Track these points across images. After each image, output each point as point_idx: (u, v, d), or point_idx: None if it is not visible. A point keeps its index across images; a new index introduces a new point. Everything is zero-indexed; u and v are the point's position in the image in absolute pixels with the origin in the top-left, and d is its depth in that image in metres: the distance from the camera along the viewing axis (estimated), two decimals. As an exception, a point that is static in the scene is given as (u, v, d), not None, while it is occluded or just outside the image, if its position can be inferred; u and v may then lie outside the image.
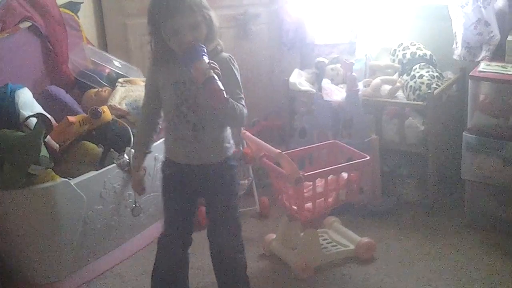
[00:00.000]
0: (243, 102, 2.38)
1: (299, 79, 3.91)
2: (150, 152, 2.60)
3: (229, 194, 2.53)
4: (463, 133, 3.28)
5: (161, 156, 3.22)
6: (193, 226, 2.60)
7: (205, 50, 2.26)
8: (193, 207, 2.61)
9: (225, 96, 2.20)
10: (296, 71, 3.99)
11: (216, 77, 2.20)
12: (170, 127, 2.45)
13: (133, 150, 3.07)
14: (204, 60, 2.23)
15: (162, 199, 2.58)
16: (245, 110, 2.37)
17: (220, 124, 2.42)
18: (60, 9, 3.59)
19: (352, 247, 3.13)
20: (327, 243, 3.20)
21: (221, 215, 2.53)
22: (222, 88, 2.20)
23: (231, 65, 2.41)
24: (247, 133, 3.23)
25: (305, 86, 3.85)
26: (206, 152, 2.43)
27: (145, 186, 2.64)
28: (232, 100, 2.30)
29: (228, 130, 2.48)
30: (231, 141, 2.50)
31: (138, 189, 2.64)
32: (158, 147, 3.22)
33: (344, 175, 3.03)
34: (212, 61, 2.24)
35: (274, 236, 3.21)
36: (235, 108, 2.32)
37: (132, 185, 2.67)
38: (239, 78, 2.43)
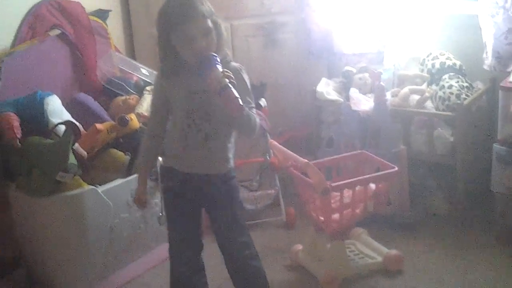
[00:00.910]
0: (254, 111, 2.38)
1: (327, 89, 3.89)
2: (154, 167, 2.58)
3: (234, 205, 2.50)
4: (493, 144, 3.24)
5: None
6: (201, 231, 2.57)
7: (218, 59, 2.25)
8: (198, 214, 2.56)
9: (241, 103, 2.20)
10: (324, 80, 3.98)
11: (231, 85, 2.20)
12: (178, 137, 2.40)
13: (160, 158, 3.07)
14: (218, 69, 2.22)
15: (165, 209, 2.57)
16: (257, 119, 2.37)
17: (229, 134, 2.42)
18: (89, 16, 3.62)
19: (379, 259, 3.10)
20: (354, 254, 3.17)
21: (226, 225, 2.50)
22: (238, 96, 2.19)
23: (242, 74, 2.39)
24: (274, 142, 3.21)
25: (332, 95, 3.83)
26: (213, 161, 2.42)
27: (148, 200, 2.57)
28: (246, 109, 2.29)
29: (233, 142, 2.46)
30: (233, 154, 2.48)
31: (140, 202, 2.55)
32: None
33: (372, 186, 3.00)
34: (226, 70, 2.23)
35: (300, 247, 3.19)
36: (250, 116, 2.32)
37: (135, 199, 2.56)
38: (249, 87, 2.42)
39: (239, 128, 2.40)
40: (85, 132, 3.01)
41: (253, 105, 2.40)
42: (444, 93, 3.49)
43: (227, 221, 2.49)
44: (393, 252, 3.10)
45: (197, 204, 2.52)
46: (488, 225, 3.43)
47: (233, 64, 2.40)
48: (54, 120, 2.99)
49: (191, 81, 2.32)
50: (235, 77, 2.27)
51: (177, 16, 2.25)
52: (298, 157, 2.97)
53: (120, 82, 3.56)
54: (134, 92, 3.54)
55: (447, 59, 3.69)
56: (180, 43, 2.27)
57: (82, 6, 3.59)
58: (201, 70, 2.25)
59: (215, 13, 2.33)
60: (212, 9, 2.32)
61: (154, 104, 2.49)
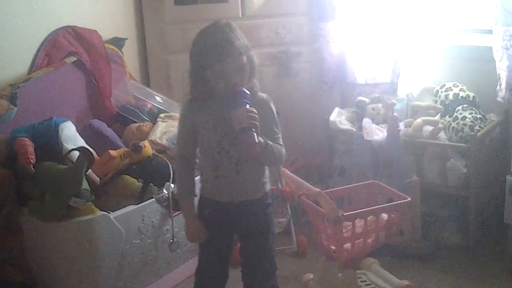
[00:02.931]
0: (280, 141, 2.39)
1: (340, 118, 3.90)
2: (196, 194, 2.51)
3: (266, 233, 2.49)
4: (507, 176, 3.22)
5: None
6: (229, 262, 2.57)
7: (248, 95, 2.26)
8: (231, 245, 2.57)
9: (258, 149, 2.21)
10: (337, 109, 3.99)
11: (253, 128, 2.21)
12: (209, 165, 2.40)
13: (172, 185, 3.09)
14: (244, 107, 2.23)
15: None
16: (283, 150, 2.38)
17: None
18: (105, 44, 3.66)
19: (391, 290, 3.07)
20: (366, 285, 3.14)
21: (257, 255, 2.50)
22: (257, 140, 2.21)
23: (269, 105, 2.41)
24: (286, 171, 3.21)
25: (345, 125, 3.84)
26: (247, 187, 2.41)
27: (204, 231, 2.46)
28: (270, 143, 2.32)
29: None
30: (268, 177, 2.49)
31: (198, 236, 2.46)
32: (198, 182, 3.24)
33: (384, 216, 2.99)
34: (252, 110, 2.24)
35: (311, 276, 3.17)
36: (274, 151, 2.33)
37: (190, 235, 2.48)
38: (276, 117, 2.44)
39: (264, 161, 2.40)
40: (98, 158, 3.03)
41: (279, 135, 2.40)
42: (457, 124, 3.49)
43: (255, 250, 2.49)
44: (405, 283, 3.07)
45: (231, 233, 2.52)
46: (501, 257, 3.40)
47: (261, 94, 2.41)
48: (68, 146, 3.01)
49: (220, 108, 2.31)
50: (262, 108, 2.32)
51: (214, 53, 2.26)
52: (310, 186, 2.97)
53: (134, 109, 3.59)
54: (148, 119, 3.56)
55: (460, 90, 3.70)
56: (213, 77, 2.28)
57: (98, 34, 3.63)
58: (227, 102, 2.26)
59: (249, 45, 2.34)
60: (246, 42, 2.33)
61: (182, 132, 2.46)
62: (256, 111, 2.25)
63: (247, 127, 2.20)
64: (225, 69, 2.25)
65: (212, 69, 2.27)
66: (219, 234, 2.48)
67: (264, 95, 2.43)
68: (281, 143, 2.39)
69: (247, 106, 2.24)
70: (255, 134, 2.21)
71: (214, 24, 2.34)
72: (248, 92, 2.27)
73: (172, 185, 3.10)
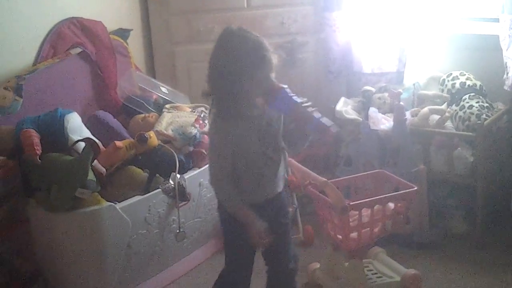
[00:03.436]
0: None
1: (346, 108, 3.89)
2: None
3: (288, 219, 2.59)
4: (514, 165, 3.21)
5: (205, 182, 3.26)
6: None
7: (288, 90, 2.25)
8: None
9: (334, 130, 2.24)
10: (343, 99, 3.97)
11: (317, 114, 2.22)
12: (253, 176, 2.36)
13: (178, 175, 3.09)
14: (298, 101, 2.23)
15: (232, 240, 2.48)
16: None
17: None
18: (110, 35, 3.66)
19: (397, 278, 3.07)
20: (372, 274, 3.14)
21: (284, 239, 2.54)
22: (330, 123, 2.24)
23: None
24: (292, 161, 3.20)
25: (351, 114, 3.83)
26: (279, 182, 2.47)
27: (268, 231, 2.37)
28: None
29: None
30: None
31: (263, 241, 2.37)
32: (204, 172, 3.24)
33: (391, 205, 2.98)
34: (304, 99, 2.24)
35: (318, 265, 3.17)
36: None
37: (255, 242, 2.38)
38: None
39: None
40: (104, 149, 3.03)
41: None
42: (464, 113, 3.47)
43: (283, 236, 2.53)
44: (412, 271, 3.06)
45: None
46: (508, 245, 3.39)
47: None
48: (74, 137, 3.02)
49: (259, 118, 2.30)
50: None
51: (251, 60, 2.20)
52: (317, 175, 2.96)
53: (139, 100, 3.59)
54: (154, 110, 3.56)
55: (467, 79, 3.68)
56: (251, 85, 2.21)
57: (103, 25, 3.63)
58: (272, 103, 2.26)
59: None
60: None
61: (224, 153, 2.30)
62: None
63: (313, 117, 2.22)
64: (263, 73, 2.22)
65: (249, 77, 2.20)
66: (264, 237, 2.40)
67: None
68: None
69: (297, 99, 2.23)
70: (323, 119, 2.23)
71: (230, 33, 2.28)
72: (286, 87, 2.26)
73: (178, 175, 3.10)
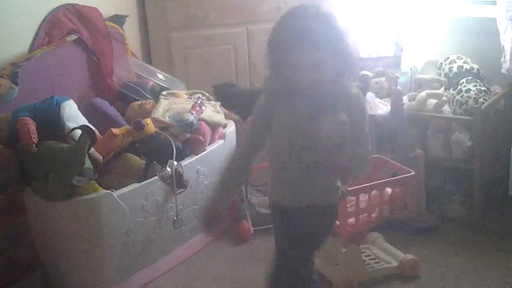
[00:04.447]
0: (369, 146, 2.11)
1: (343, 93, 3.87)
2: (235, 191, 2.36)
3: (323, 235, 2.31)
4: (511, 149, 3.20)
5: (203, 169, 3.26)
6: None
7: (337, 101, 1.98)
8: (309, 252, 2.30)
9: (347, 167, 2.02)
10: (340, 84, 3.95)
11: (343, 144, 1.93)
12: (277, 167, 2.17)
13: (175, 162, 3.08)
14: (334, 118, 1.91)
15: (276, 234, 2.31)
16: (369, 157, 2.12)
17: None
18: (106, 22, 3.64)
19: (395, 264, 3.08)
20: (370, 259, 3.15)
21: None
22: (347, 165, 2.00)
23: (358, 103, 2.10)
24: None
25: (348, 99, 3.81)
26: (315, 192, 2.17)
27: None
28: (358, 153, 2.04)
29: None
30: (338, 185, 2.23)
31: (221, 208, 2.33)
32: (201, 159, 3.24)
33: (388, 190, 2.99)
34: (343, 120, 1.91)
35: (316, 251, 3.17)
36: (359, 163, 2.06)
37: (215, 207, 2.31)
38: (367, 117, 2.13)
39: (347, 175, 2.16)
40: (101, 136, 3.02)
41: (369, 139, 2.10)
42: (461, 97, 3.46)
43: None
44: (409, 257, 3.07)
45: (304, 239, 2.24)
46: (506, 230, 3.40)
47: (353, 91, 2.11)
48: (70, 124, 3.00)
49: (301, 107, 2.05)
50: (354, 106, 2.06)
51: (284, 42, 1.99)
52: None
53: (136, 87, 3.57)
54: (150, 97, 3.54)
55: (464, 63, 3.67)
56: (288, 70, 2.02)
57: (99, 12, 3.61)
58: (310, 104, 2.02)
59: (340, 36, 2.05)
60: (334, 32, 2.02)
61: (254, 126, 2.21)
62: (346, 120, 1.92)
63: (337, 146, 1.93)
64: (294, 61, 1.99)
65: (284, 61, 2.01)
66: (292, 242, 2.23)
67: (354, 90, 2.11)
68: (369, 148, 2.11)
69: (336, 115, 1.92)
70: (344, 150, 1.96)
71: (299, 7, 2.05)
72: (336, 95, 2.00)
73: (175, 163, 3.09)
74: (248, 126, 2.29)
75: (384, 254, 3.17)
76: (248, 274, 3.15)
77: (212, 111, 3.46)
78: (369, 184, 2.93)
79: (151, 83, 3.69)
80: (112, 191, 2.85)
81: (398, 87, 3.52)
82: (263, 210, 3.55)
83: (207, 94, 3.64)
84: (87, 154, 2.80)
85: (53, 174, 2.76)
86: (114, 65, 3.64)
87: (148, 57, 4.13)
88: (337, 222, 2.95)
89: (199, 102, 3.42)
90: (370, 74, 3.89)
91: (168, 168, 3.07)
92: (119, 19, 3.80)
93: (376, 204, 2.96)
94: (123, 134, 3.07)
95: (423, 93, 3.60)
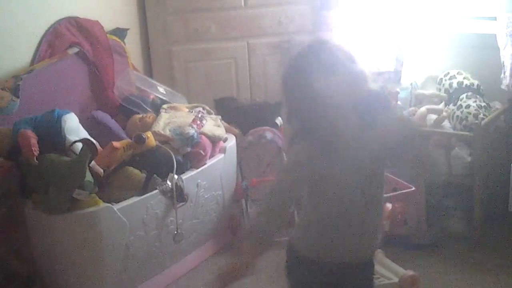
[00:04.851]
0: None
1: (343, 107, 3.88)
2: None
3: None
4: (511, 164, 3.21)
5: (204, 183, 3.26)
6: None
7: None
8: None
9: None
10: (340, 99, 3.96)
11: None
12: (324, 222, 1.96)
13: (176, 176, 3.08)
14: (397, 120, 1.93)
15: None
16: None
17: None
18: (108, 35, 3.65)
19: (395, 279, 3.06)
20: (370, 275, 3.14)
21: None
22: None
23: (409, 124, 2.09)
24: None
25: (349, 114, 3.82)
26: (366, 245, 2.01)
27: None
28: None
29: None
30: None
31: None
32: (201, 173, 3.24)
33: (389, 205, 2.99)
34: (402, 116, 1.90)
35: (316, 266, 3.17)
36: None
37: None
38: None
39: None
40: (101, 149, 3.02)
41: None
42: (461, 112, 3.47)
43: None
44: (410, 272, 3.06)
45: None
46: (506, 246, 3.40)
47: (400, 117, 2.13)
48: (71, 137, 3.00)
49: (354, 152, 1.87)
50: (403, 128, 1.99)
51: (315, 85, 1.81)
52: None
53: (137, 100, 3.58)
54: (151, 110, 3.55)
55: (464, 78, 3.67)
56: (329, 114, 1.84)
57: (100, 25, 3.62)
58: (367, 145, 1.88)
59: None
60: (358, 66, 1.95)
61: (295, 179, 1.92)
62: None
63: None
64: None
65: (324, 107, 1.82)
66: None
67: (403, 116, 2.16)
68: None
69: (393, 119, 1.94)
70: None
71: (315, 43, 1.93)
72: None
73: (176, 176, 3.09)
74: (284, 184, 1.96)
75: (385, 270, 3.15)
76: (247, 288, 3.14)
77: (213, 125, 3.47)
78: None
79: (152, 96, 3.69)
80: (112, 205, 2.85)
81: (399, 102, 3.52)
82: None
83: (207, 108, 3.65)
84: (87, 168, 2.80)
85: (53, 187, 2.76)
86: (115, 78, 3.64)
87: (149, 71, 4.14)
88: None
89: (199, 115, 3.42)
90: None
91: (168, 182, 3.07)
92: (120, 32, 3.81)
93: (376, 220, 2.95)
94: (123, 147, 3.07)
95: (423, 109, 3.61)
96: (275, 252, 3.47)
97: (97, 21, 3.62)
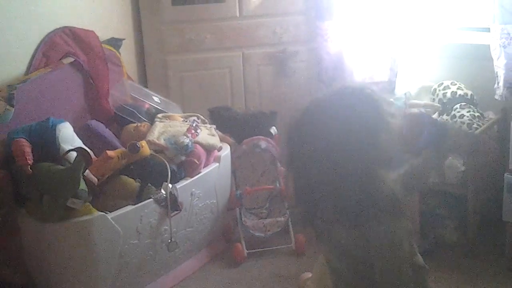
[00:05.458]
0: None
1: (338, 117, 3.88)
2: None
3: None
4: (505, 174, 3.22)
5: (198, 192, 3.26)
6: None
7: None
8: None
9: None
10: (334, 109, 3.97)
11: None
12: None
13: (170, 185, 3.08)
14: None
15: None
16: None
17: None
18: (102, 45, 3.66)
19: None
20: (364, 284, 3.14)
21: None
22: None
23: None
24: (282, 169, 3.21)
25: (343, 124, 3.83)
26: None
27: None
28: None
29: None
30: None
31: None
32: (196, 182, 3.24)
33: (382, 214, 2.98)
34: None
35: (310, 274, 3.16)
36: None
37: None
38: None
39: None
40: (96, 158, 3.03)
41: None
42: (455, 122, 3.48)
43: None
44: (403, 281, 3.06)
45: None
46: (499, 255, 3.40)
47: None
48: (66, 146, 3.01)
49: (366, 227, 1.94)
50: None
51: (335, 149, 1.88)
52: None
53: (131, 109, 3.59)
54: (146, 120, 3.56)
55: (458, 88, 3.69)
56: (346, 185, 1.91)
57: (95, 35, 3.63)
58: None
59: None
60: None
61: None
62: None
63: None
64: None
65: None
66: None
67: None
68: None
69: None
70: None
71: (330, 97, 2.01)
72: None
73: (170, 185, 3.10)
74: None
75: (378, 279, 3.15)
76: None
77: (207, 134, 3.48)
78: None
79: (146, 105, 3.71)
80: (106, 213, 2.85)
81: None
82: (258, 233, 3.56)
83: (202, 117, 3.66)
84: (82, 176, 2.80)
85: (47, 195, 2.76)
86: (110, 87, 3.65)
87: (144, 80, 4.15)
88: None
89: (194, 125, 3.43)
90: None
91: (162, 191, 3.07)
92: (115, 42, 3.82)
93: (370, 228, 2.96)
94: (118, 156, 3.07)
95: (415, 110, 3.61)
96: (269, 260, 3.51)
97: (93, 31, 3.63)
